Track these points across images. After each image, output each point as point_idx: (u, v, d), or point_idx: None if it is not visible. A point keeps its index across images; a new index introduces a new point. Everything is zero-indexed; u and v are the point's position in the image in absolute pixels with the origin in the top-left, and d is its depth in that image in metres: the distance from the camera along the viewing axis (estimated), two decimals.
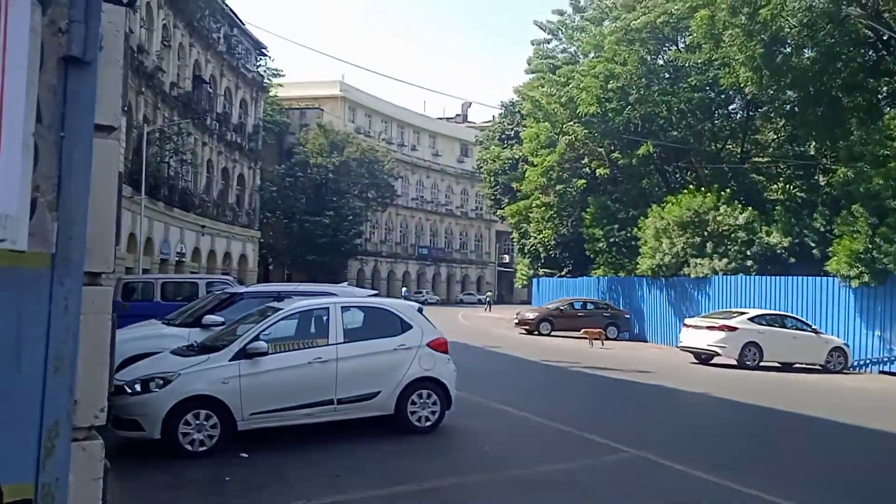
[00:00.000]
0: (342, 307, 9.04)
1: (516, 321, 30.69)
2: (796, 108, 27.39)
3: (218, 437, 7.68)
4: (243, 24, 46.79)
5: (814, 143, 28.73)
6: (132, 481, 6.37)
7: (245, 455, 7.66)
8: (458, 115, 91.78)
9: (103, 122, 1.65)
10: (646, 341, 28.28)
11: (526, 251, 42.10)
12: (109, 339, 1.71)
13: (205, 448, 7.61)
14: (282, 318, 8.65)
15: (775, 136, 31.23)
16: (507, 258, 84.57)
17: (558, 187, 35.07)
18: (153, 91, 34.30)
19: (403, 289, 67.36)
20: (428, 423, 9.02)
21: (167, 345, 9.53)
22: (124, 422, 7.40)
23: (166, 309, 14.53)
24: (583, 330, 25.25)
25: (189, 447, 7.55)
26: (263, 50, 52.22)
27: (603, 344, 24.35)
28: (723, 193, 26.65)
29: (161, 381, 7.63)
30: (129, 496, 5.83)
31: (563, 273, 38.55)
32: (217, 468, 7.18)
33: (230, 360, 7.94)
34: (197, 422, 7.62)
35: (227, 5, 44.61)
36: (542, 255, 40.00)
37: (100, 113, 1.64)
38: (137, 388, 7.56)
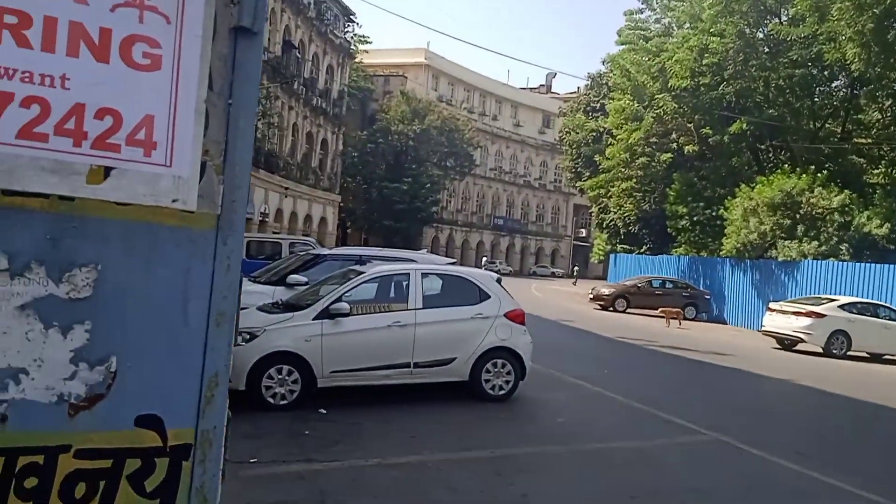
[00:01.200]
0: (422, 273, 9.16)
1: (591, 296, 30.36)
2: None
3: (299, 392, 7.97)
4: None
5: None
6: None
7: (324, 411, 7.92)
8: (542, 85, 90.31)
9: None
10: (725, 324, 27.51)
11: (604, 226, 41.44)
12: (239, 296, 1.82)
13: (286, 402, 7.91)
14: (364, 282, 8.84)
15: (880, 117, 29.38)
16: (583, 232, 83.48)
17: (641, 160, 34.16)
18: None
19: (483, 258, 67.39)
20: (502, 392, 9.10)
21: (253, 301, 9.89)
22: None
23: (251, 267, 15.04)
24: (660, 309, 24.77)
25: (271, 400, 7.87)
26: (352, 16, 52.62)
27: (681, 324, 23.84)
28: (819, 175, 25.42)
29: (248, 336, 7.95)
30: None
31: (641, 250, 37.80)
32: (297, 422, 7.45)
33: (313, 319, 8.19)
34: (279, 376, 7.93)
35: None
36: (622, 231, 39.29)
37: None
38: None
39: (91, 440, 1.56)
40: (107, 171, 1.57)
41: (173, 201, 1.62)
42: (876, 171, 30.06)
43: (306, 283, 10.71)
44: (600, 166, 38.99)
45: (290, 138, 43.56)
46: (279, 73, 39.43)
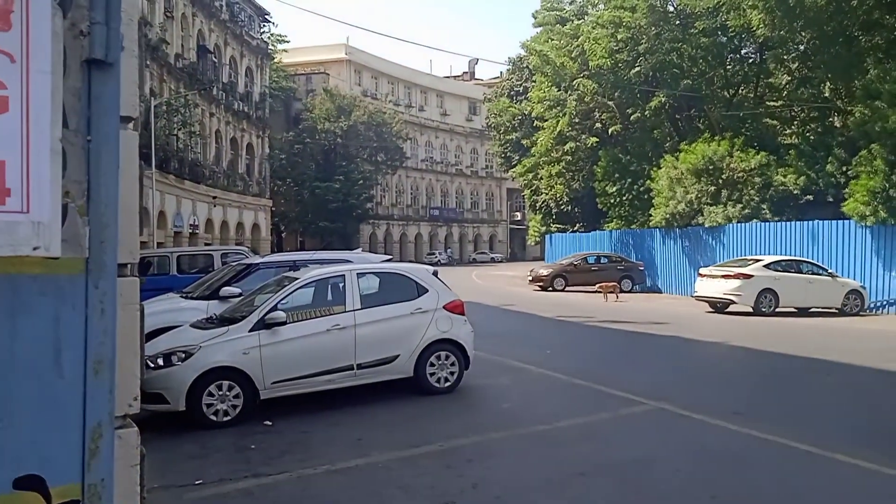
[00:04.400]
0: (358, 274, 9.09)
1: (530, 278, 30.75)
2: (810, 50, 26.80)
3: (241, 406, 7.82)
4: None
5: (829, 85, 28.18)
6: (160, 452, 6.50)
7: (269, 423, 7.80)
8: (465, 72, 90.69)
9: (124, 114, 1.65)
10: (660, 293, 28.29)
11: (537, 208, 41.99)
12: (139, 328, 1.74)
13: (229, 418, 7.75)
14: (298, 288, 8.72)
15: (789, 79, 30.60)
16: (518, 215, 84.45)
17: (568, 145, 34.72)
18: (158, 63, 34.13)
19: (439, 252, 69.02)
20: (447, 384, 9.14)
21: (186, 318, 9.66)
22: (149, 395, 7.51)
23: (183, 282, 14.68)
24: (597, 284, 25.28)
25: (213, 417, 7.70)
26: (266, 16, 51.69)
27: (618, 297, 24.39)
28: (736, 140, 26.31)
29: (183, 355, 7.76)
30: (157, 467, 5.97)
31: (575, 228, 38.47)
32: (242, 437, 7.32)
33: (250, 331, 8.05)
34: (220, 392, 7.75)
35: None
36: (554, 211, 39.89)
37: (120, 106, 1.65)
38: (160, 361, 7.68)
39: None
40: None
41: (34, 249, 1.53)
42: (789, 132, 31.30)
43: (240, 295, 10.49)
44: (530, 150, 39.44)
45: (214, 145, 42.60)
46: (196, 80, 38.47)
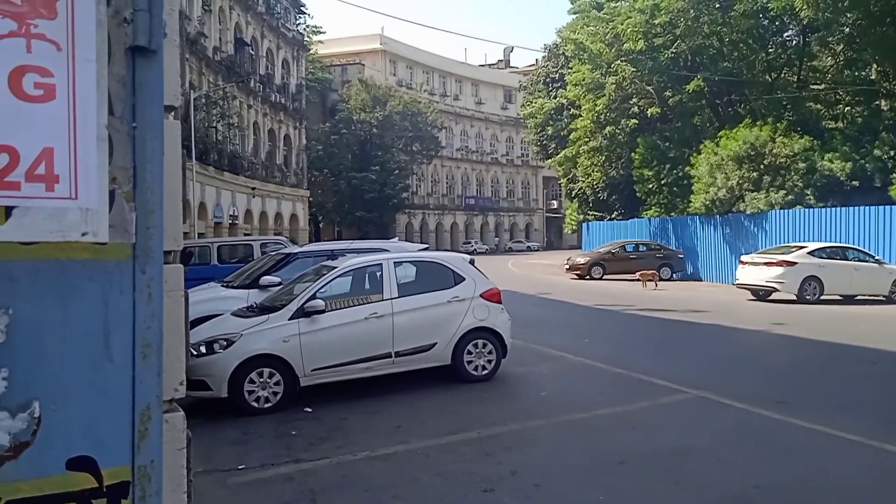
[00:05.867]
0: (395, 262, 9.14)
1: (567, 267, 30.54)
2: (856, 31, 25.99)
3: (282, 393, 7.94)
4: None
5: (875, 67, 27.33)
6: (203, 438, 6.64)
7: (309, 409, 7.90)
8: (500, 60, 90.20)
9: (166, 103, 1.68)
10: (700, 281, 27.87)
11: (574, 196, 41.62)
12: (184, 314, 1.76)
13: (270, 404, 7.88)
14: (337, 276, 8.79)
15: (834, 62, 29.77)
16: (554, 204, 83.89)
17: (607, 129, 34.31)
18: (197, 57, 34.61)
19: (475, 241, 69.28)
20: (485, 372, 9.14)
21: (227, 307, 9.82)
22: (192, 382, 7.62)
23: (223, 271, 14.92)
24: (637, 273, 25.01)
25: (255, 404, 7.83)
26: (302, 8, 52.00)
27: (657, 285, 24.09)
28: (779, 125, 25.70)
29: (224, 343, 7.89)
30: (200, 452, 6.09)
31: (612, 216, 38.08)
32: (283, 423, 7.43)
33: (289, 319, 8.15)
34: (261, 380, 7.88)
35: None
36: (591, 199, 39.53)
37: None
38: (202, 349, 7.82)
39: (20, 490, 1.52)
40: (8, 210, 1.51)
41: (83, 235, 1.56)
42: (833, 116, 30.47)
43: (280, 284, 10.63)
44: (566, 138, 39.08)
45: (252, 137, 43.10)
46: (234, 73, 38.91)
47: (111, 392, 1.59)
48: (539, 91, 49.15)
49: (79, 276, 1.57)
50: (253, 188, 41.01)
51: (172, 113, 1.80)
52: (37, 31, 1.55)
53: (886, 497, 5.18)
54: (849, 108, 29.44)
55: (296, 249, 13.65)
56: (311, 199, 52.68)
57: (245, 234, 36.49)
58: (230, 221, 37.78)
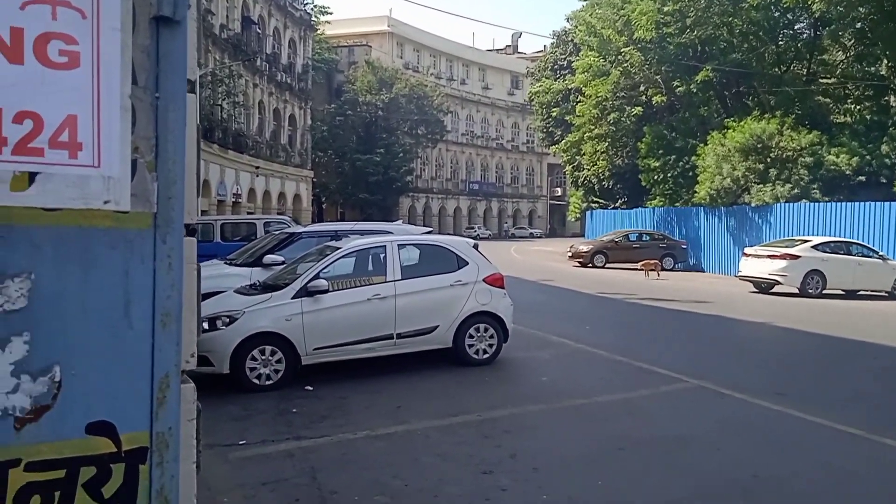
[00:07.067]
0: (398, 245, 9.15)
1: (570, 254, 30.54)
2: (867, 25, 25.77)
3: (283, 371, 7.98)
4: None
5: (886, 62, 27.13)
6: (205, 412, 6.59)
7: (310, 388, 7.95)
8: (508, 45, 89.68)
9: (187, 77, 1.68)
10: (703, 272, 27.85)
11: (579, 183, 41.52)
12: (196, 287, 1.78)
13: (271, 382, 7.92)
14: (340, 257, 8.81)
15: (844, 57, 29.55)
16: (559, 191, 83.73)
17: (612, 116, 34.15)
18: (204, 34, 34.43)
19: (478, 226, 69.43)
20: (486, 356, 9.18)
21: (230, 284, 9.85)
22: None
23: (226, 249, 14.95)
24: (640, 262, 25.00)
25: (256, 381, 7.87)
26: None
27: (659, 275, 24.10)
28: (787, 118, 25.57)
29: (227, 319, 7.92)
30: (202, 427, 6.12)
31: (617, 205, 38.00)
32: (284, 400, 7.48)
33: (292, 298, 8.18)
34: (263, 357, 7.92)
35: None
36: (596, 187, 39.43)
37: None
38: (205, 325, 7.85)
39: (41, 452, 1.54)
40: (31, 176, 1.52)
41: (105, 203, 1.57)
42: (842, 111, 30.30)
43: (283, 263, 10.66)
44: (572, 125, 38.94)
45: (257, 116, 42.99)
46: (240, 51, 38.74)
47: (131, 359, 1.60)
48: (546, 77, 48.90)
49: (100, 244, 1.58)
50: (257, 167, 40.94)
51: (189, 87, 1.80)
52: None
53: (886, 490, 5.21)
54: (857, 103, 29.24)
55: (300, 229, 13.67)
56: (314, 179, 52.59)
57: (248, 213, 36.48)
58: (234, 200, 37.76)
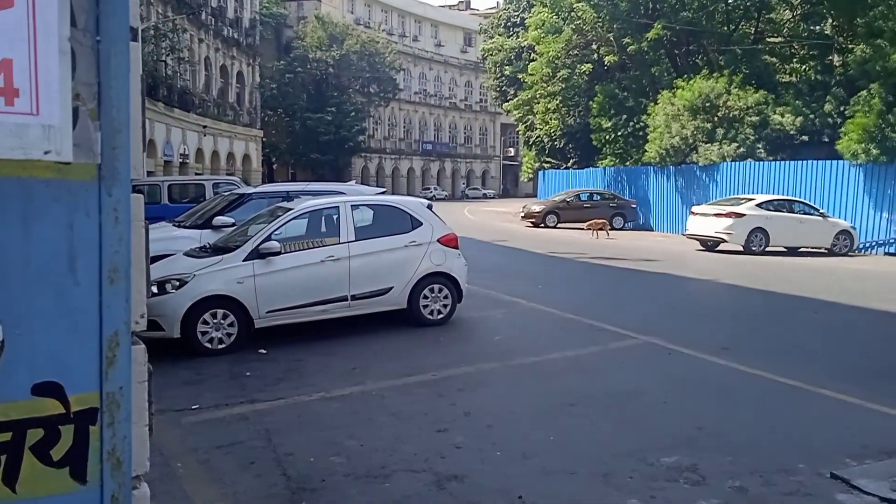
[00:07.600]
0: (352, 206, 9.06)
1: (522, 214, 30.74)
2: None
3: (236, 335, 7.90)
4: None
5: (831, 21, 27.66)
6: (156, 378, 6.54)
7: (264, 351, 7.90)
8: (461, 1, 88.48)
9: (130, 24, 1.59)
10: (652, 231, 28.40)
11: (531, 143, 41.59)
12: (144, 246, 1.72)
13: (223, 346, 7.84)
14: (293, 218, 8.69)
15: (791, 15, 29.99)
16: (511, 151, 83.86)
17: (562, 72, 34.13)
18: None
19: (434, 187, 69.35)
20: (440, 316, 9.24)
21: (179, 246, 9.65)
22: None
23: (174, 211, 14.58)
24: (587, 223, 25.33)
25: (208, 345, 7.78)
26: None
27: (609, 234, 24.47)
28: (735, 77, 25.96)
29: (177, 283, 7.78)
30: (154, 392, 6.04)
31: (569, 165, 38.24)
32: (237, 364, 7.42)
33: (244, 261, 8.06)
34: (214, 321, 7.82)
35: None
36: (548, 147, 39.53)
37: None
38: (154, 289, 7.69)
39: None
40: None
41: (45, 153, 1.48)
42: (788, 70, 30.85)
43: (233, 224, 10.47)
44: (524, 83, 38.83)
45: (204, 73, 41.67)
46: (184, 4, 37.29)
47: (78, 317, 1.54)
48: (499, 34, 48.53)
49: (42, 196, 1.50)
50: (204, 126, 39.84)
51: (132, 35, 1.71)
52: None
53: (823, 437, 5.46)
54: (802, 62, 29.81)
55: (250, 190, 13.41)
56: (264, 139, 51.48)
57: (196, 174, 35.60)
58: (181, 160, 36.74)
